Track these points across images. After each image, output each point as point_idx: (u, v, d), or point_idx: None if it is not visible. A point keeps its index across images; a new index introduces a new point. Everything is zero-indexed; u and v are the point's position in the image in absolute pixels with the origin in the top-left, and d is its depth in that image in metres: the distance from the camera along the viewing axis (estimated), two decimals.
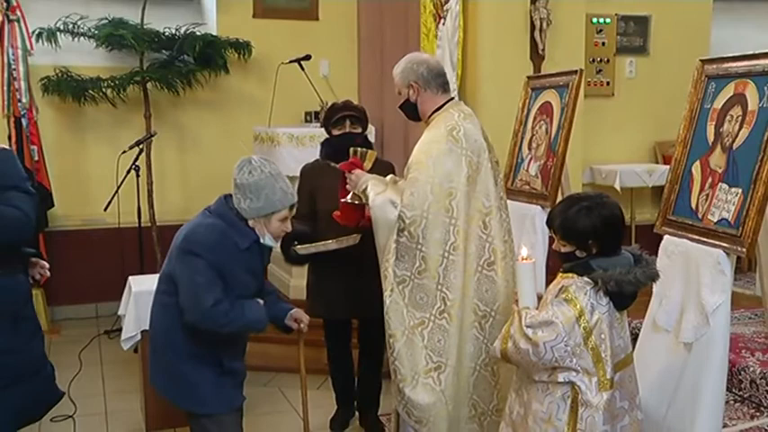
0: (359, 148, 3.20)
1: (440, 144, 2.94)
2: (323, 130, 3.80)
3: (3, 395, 2.57)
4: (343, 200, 3.17)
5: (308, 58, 5.50)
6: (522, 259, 2.52)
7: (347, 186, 3.13)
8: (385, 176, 3.22)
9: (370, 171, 3.21)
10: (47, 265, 2.93)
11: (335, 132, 3.71)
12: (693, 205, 2.99)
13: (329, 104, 4.01)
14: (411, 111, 3.12)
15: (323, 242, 3.46)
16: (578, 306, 2.38)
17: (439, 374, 2.94)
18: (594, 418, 2.38)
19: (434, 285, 2.92)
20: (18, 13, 5.32)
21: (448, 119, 3.00)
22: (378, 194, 2.98)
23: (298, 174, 4.94)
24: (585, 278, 2.41)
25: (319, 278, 3.71)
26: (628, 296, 2.43)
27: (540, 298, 2.54)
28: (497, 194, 3.03)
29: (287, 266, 5.02)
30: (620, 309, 2.46)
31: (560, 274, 2.51)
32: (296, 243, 3.51)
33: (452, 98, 3.13)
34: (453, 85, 5.18)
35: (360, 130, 3.70)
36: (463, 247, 2.93)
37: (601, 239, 2.44)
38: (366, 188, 3.02)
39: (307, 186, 3.71)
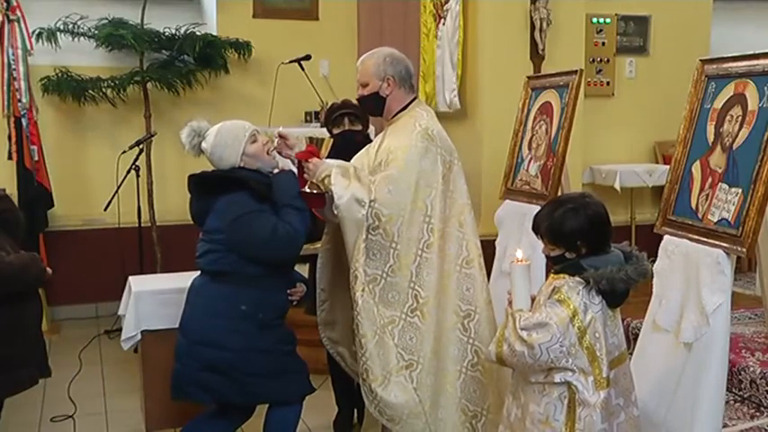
0: (314, 137, 3.10)
1: (416, 142, 2.93)
2: (323, 129, 3.80)
3: None
4: (301, 190, 3.05)
5: (307, 58, 5.50)
6: (517, 261, 2.51)
7: (305, 176, 3.00)
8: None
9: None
10: (298, 291, 3.15)
11: (335, 131, 3.72)
12: (693, 205, 2.99)
13: (328, 105, 4.01)
14: (376, 104, 3.05)
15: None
16: (571, 306, 2.38)
17: (411, 372, 2.90)
18: (593, 417, 2.38)
19: (406, 283, 2.89)
20: (18, 13, 5.31)
21: (418, 118, 3.00)
22: (343, 190, 2.87)
23: None
24: (577, 278, 2.41)
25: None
26: (620, 294, 2.43)
27: (533, 300, 2.54)
28: (468, 193, 3.05)
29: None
30: (613, 307, 2.46)
31: (552, 276, 2.52)
32: None
33: (416, 97, 3.12)
34: (453, 85, 5.19)
35: (359, 128, 3.70)
36: (438, 245, 2.92)
37: (589, 239, 2.44)
38: (327, 179, 2.91)
39: None
